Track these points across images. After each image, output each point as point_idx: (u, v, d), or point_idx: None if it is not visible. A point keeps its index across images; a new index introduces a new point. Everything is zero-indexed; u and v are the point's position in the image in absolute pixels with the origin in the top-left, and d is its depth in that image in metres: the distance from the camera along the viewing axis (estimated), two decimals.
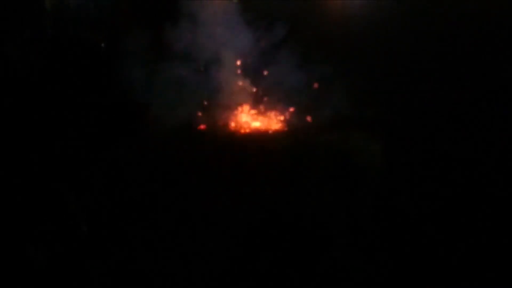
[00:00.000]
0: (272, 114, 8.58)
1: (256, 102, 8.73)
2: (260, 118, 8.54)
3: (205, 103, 8.63)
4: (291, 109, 8.50)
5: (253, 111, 8.69)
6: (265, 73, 8.65)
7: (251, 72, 8.65)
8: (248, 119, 8.55)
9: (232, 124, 8.46)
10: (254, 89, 8.77)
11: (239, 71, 8.66)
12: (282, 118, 8.50)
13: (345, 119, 8.09)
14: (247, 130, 8.25)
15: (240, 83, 8.73)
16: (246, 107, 8.72)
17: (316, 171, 6.72)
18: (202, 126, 8.33)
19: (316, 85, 8.42)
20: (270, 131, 8.09)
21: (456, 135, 7.36)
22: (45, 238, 4.66)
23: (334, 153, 7.19)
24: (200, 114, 8.47)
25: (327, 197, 6.07)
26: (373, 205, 5.94)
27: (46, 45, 7.55)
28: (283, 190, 6.25)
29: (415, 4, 8.42)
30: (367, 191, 6.20)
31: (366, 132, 7.51)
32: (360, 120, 8.00)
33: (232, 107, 8.67)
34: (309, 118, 8.32)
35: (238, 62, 8.61)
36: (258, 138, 7.91)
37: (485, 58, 7.98)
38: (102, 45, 8.76)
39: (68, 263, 4.60)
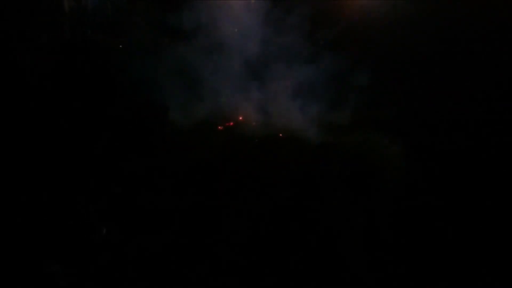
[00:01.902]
0: (288, 114, 8.50)
1: (273, 102, 8.67)
2: (276, 118, 8.44)
3: (222, 103, 8.63)
4: (309, 109, 8.42)
5: (269, 111, 8.62)
6: (282, 73, 8.57)
7: (267, 72, 8.60)
8: (264, 119, 8.49)
9: (249, 124, 8.42)
10: (271, 89, 8.71)
11: (254, 70, 8.62)
12: (299, 118, 8.41)
13: (363, 119, 8.01)
14: (263, 130, 8.18)
15: (256, 82, 8.69)
16: (262, 107, 8.67)
17: (334, 172, 6.66)
18: (220, 126, 8.33)
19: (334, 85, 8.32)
20: (287, 132, 8.00)
21: (476, 136, 7.18)
22: (65, 251, 4.70)
23: (352, 154, 7.11)
24: (217, 114, 8.48)
25: (345, 198, 6.01)
26: (391, 207, 5.87)
27: (64, 49, 7.61)
28: (299, 191, 6.20)
29: (437, 4, 8.24)
30: (385, 192, 6.13)
31: (384, 133, 7.42)
32: (378, 121, 7.90)
33: (248, 107, 8.65)
34: (327, 119, 8.25)
35: (254, 61, 8.56)
36: (275, 138, 7.85)
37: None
38: (120, 47, 8.80)
39: (88, 272, 4.63)
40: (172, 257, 5.07)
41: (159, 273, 4.87)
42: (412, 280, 4.85)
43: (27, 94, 6.30)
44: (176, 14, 8.32)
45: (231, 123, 8.45)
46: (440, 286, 4.82)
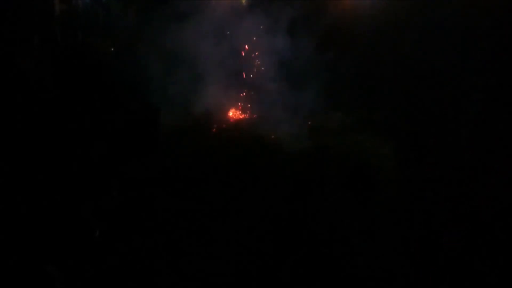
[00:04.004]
0: (282, 116, 8.50)
1: (265, 104, 8.68)
2: (270, 120, 8.43)
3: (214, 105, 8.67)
4: (301, 111, 8.43)
5: (263, 113, 8.63)
6: (274, 75, 8.60)
7: (259, 74, 8.62)
8: (258, 122, 8.49)
9: (243, 126, 8.42)
10: (264, 92, 8.72)
11: (246, 74, 8.65)
12: (292, 120, 8.40)
13: (356, 121, 8.06)
14: (259, 133, 8.17)
15: (248, 85, 8.72)
16: (256, 109, 8.70)
17: (328, 174, 6.68)
18: (214, 128, 8.33)
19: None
20: (279, 134, 7.99)
21: (469, 137, 7.25)
22: (62, 252, 4.66)
23: (346, 156, 7.15)
24: (210, 115, 8.52)
25: (340, 200, 6.02)
26: (385, 208, 5.89)
27: (55, 51, 7.57)
28: (295, 194, 6.20)
29: (428, 5, 8.34)
30: (380, 193, 6.15)
31: (378, 135, 7.47)
32: (371, 123, 7.96)
33: (241, 109, 8.67)
34: (320, 121, 8.29)
35: (246, 65, 8.59)
36: (270, 141, 7.84)
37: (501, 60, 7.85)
38: (112, 50, 8.78)
39: (84, 274, 4.59)
40: (168, 258, 5.04)
41: (155, 274, 4.84)
42: (412, 282, 4.86)
43: (18, 96, 6.26)
44: (166, 17, 8.34)
45: (224, 126, 8.46)
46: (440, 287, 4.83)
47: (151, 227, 5.46)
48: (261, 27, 8.47)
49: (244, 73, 8.63)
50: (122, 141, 6.74)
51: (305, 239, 5.33)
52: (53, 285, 4.34)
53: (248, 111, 8.71)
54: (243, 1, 8.79)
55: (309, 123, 8.27)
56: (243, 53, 8.60)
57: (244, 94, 8.73)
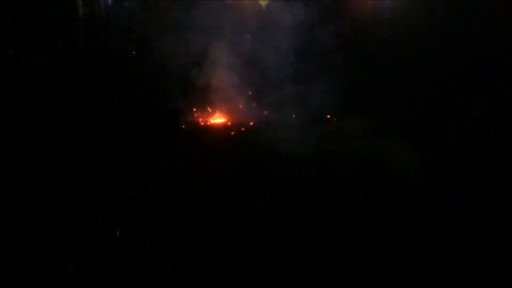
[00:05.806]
0: (297, 119, 8.47)
1: (283, 107, 8.67)
2: (284, 123, 8.40)
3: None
4: (319, 113, 8.38)
5: (279, 115, 8.62)
6: (293, 77, 8.58)
7: (281, 76, 8.62)
8: (273, 124, 8.47)
9: (258, 128, 8.42)
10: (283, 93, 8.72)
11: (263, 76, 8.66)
12: (308, 123, 8.36)
13: (375, 124, 7.98)
14: (273, 135, 8.15)
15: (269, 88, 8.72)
16: (271, 112, 8.69)
17: (346, 177, 6.62)
18: (232, 132, 8.36)
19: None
20: (296, 136, 7.96)
21: (489, 140, 7.10)
22: (80, 252, 4.71)
23: (364, 159, 7.08)
24: (226, 120, 8.56)
25: (356, 205, 5.95)
26: (404, 213, 5.80)
27: (78, 54, 7.72)
28: (310, 198, 6.16)
29: (450, 7, 8.21)
30: (398, 198, 6.07)
31: (397, 138, 7.38)
32: (390, 126, 7.87)
33: (258, 112, 8.69)
34: (338, 123, 8.23)
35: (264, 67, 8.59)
36: (285, 144, 7.81)
37: None
38: (133, 53, 8.90)
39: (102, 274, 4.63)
40: (186, 257, 5.05)
41: (173, 272, 4.86)
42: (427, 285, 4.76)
43: (42, 96, 6.38)
44: (188, 20, 8.41)
45: (242, 128, 8.48)
46: None
47: (167, 226, 5.49)
48: (279, 28, 8.47)
49: (260, 75, 8.64)
50: (140, 141, 6.83)
51: (317, 241, 5.28)
52: (72, 284, 4.39)
53: (262, 114, 8.72)
54: (263, 4, 8.82)
55: (328, 127, 8.23)
56: (260, 54, 8.60)
57: (260, 96, 8.74)
